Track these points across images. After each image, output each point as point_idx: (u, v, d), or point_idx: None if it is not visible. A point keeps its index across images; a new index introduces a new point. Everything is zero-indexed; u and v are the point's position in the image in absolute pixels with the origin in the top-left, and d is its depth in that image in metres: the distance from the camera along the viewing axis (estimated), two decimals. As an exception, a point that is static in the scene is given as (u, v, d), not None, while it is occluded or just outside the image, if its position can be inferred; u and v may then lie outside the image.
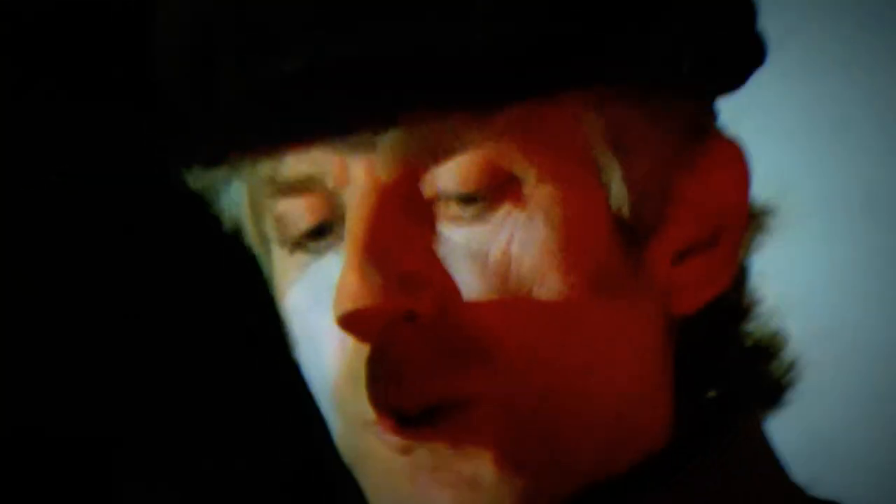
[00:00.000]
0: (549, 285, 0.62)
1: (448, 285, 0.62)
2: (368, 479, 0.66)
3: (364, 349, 0.61)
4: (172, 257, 1.54)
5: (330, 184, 0.63)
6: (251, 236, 0.72)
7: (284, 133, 0.63)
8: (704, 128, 0.68)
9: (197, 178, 0.69)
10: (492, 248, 0.61)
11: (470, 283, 0.61)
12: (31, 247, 1.90)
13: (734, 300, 0.71)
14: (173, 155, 0.70)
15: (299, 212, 0.65)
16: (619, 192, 0.64)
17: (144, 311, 1.59)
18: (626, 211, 0.64)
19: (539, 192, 0.62)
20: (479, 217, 0.61)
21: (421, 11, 0.60)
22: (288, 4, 0.61)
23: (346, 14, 0.60)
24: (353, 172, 0.62)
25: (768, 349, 0.72)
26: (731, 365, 0.73)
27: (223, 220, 0.72)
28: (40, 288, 1.87)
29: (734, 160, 0.69)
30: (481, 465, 0.61)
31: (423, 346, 0.61)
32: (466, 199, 0.61)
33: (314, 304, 0.64)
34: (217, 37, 0.64)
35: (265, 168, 0.64)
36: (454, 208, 0.62)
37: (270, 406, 0.94)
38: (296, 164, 0.63)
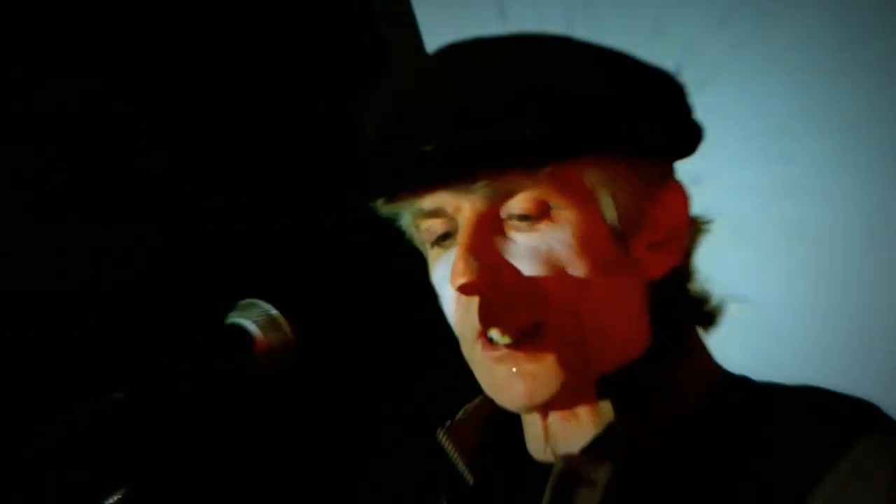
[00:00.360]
0: (574, 266, 1.11)
1: (513, 269, 1.13)
2: (479, 375, 1.18)
3: (470, 301, 1.12)
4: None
5: (450, 212, 1.13)
6: (416, 241, 1.24)
7: (427, 184, 1.13)
8: (665, 175, 1.20)
9: (382, 209, 1.19)
10: (539, 245, 1.11)
11: (527, 266, 1.11)
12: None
13: (683, 271, 1.23)
14: (365, 193, 1.19)
15: (435, 227, 1.16)
16: (611, 214, 1.13)
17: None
18: (615, 224, 1.13)
19: (564, 214, 1.11)
20: (531, 228, 1.11)
21: (496, 118, 1.09)
22: (431, 115, 1.11)
23: (456, 120, 1.10)
24: (462, 206, 1.12)
25: (703, 296, 1.25)
26: (681, 305, 1.22)
27: (403, 233, 1.23)
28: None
29: (682, 194, 1.21)
30: (542, 366, 1.11)
31: (505, 299, 1.11)
32: (523, 218, 1.11)
33: (445, 278, 1.15)
34: (397, 128, 1.14)
35: (417, 203, 1.15)
36: (517, 223, 1.12)
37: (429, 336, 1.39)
38: (432, 201, 1.14)
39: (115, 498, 1.09)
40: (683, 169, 1.27)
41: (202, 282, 2.71)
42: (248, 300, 1.16)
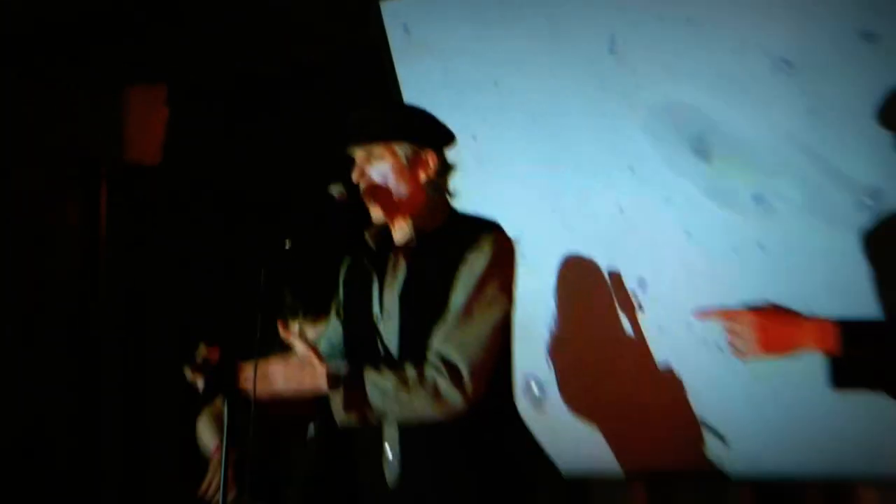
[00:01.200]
0: (392, 178, 3.04)
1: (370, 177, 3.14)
2: (371, 211, 3.24)
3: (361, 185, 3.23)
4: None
5: (363, 155, 3.10)
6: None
7: (356, 141, 3.13)
8: (427, 148, 3.12)
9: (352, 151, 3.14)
10: (381, 169, 3.05)
11: (376, 176, 3.09)
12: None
13: (442, 180, 3.19)
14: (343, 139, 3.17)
15: (359, 158, 3.10)
16: (404, 160, 3.05)
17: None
18: (405, 164, 3.05)
19: (388, 159, 3.03)
20: (378, 163, 3.04)
21: (375, 117, 3.20)
22: (363, 119, 3.16)
23: (368, 121, 3.16)
24: (361, 152, 3.09)
25: (449, 185, 3.19)
26: (440, 188, 3.10)
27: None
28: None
29: (433, 156, 3.11)
30: (386, 211, 3.11)
31: (369, 186, 3.07)
32: (377, 159, 3.05)
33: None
34: (355, 122, 3.18)
35: (355, 149, 3.12)
36: (374, 162, 3.08)
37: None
38: (357, 146, 3.13)
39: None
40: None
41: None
42: None
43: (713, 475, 4.67)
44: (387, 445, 3.05)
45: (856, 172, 3.87)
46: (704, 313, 2.81)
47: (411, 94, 4.78)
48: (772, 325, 2.63)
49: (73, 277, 5.65)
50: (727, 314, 2.70)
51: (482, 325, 2.91)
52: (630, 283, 4.53)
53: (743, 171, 4.22)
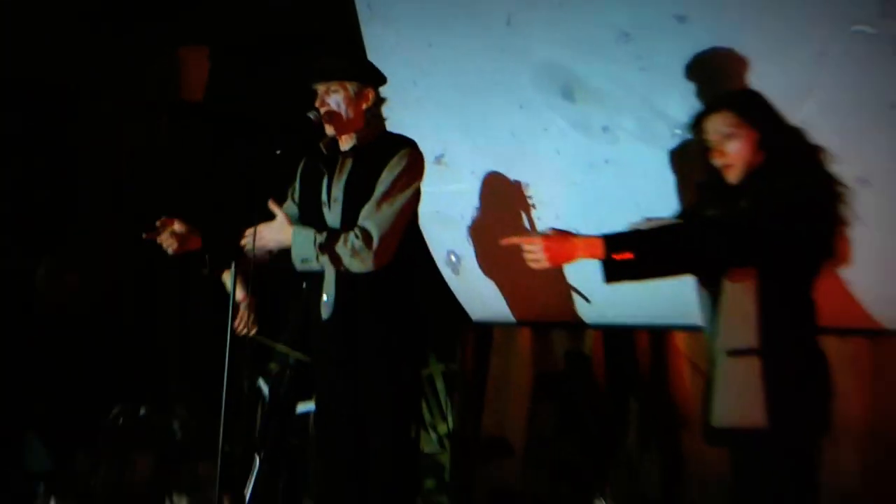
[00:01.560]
0: (343, 106, 3.54)
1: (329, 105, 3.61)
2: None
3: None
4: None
5: (321, 89, 3.51)
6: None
7: (318, 80, 3.53)
8: (370, 86, 3.60)
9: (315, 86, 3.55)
10: (337, 99, 3.55)
11: (332, 104, 3.60)
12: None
13: (376, 107, 3.72)
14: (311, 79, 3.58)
15: (321, 91, 3.52)
16: (353, 94, 3.54)
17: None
18: (353, 97, 3.55)
19: (340, 92, 3.51)
20: (336, 94, 3.52)
21: (333, 63, 3.58)
22: (323, 67, 3.56)
23: (329, 64, 3.56)
24: (324, 87, 3.50)
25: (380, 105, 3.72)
26: (377, 113, 3.70)
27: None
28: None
29: (372, 91, 3.63)
30: (339, 126, 3.63)
31: (328, 110, 3.62)
32: (335, 92, 3.53)
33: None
34: (318, 64, 3.58)
35: (317, 85, 3.53)
36: (331, 94, 3.54)
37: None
38: (319, 83, 3.52)
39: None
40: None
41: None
42: None
43: (578, 324, 5.42)
44: (324, 291, 3.54)
45: (671, 112, 4.33)
46: (508, 240, 3.03)
47: (373, 53, 5.15)
48: (554, 244, 2.80)
49: (142, 174, 6.24)
50: (524, 239, 2.93)
51: (392, 208, 3.39)
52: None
53: (596, 110, 4.63)
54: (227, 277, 4.43)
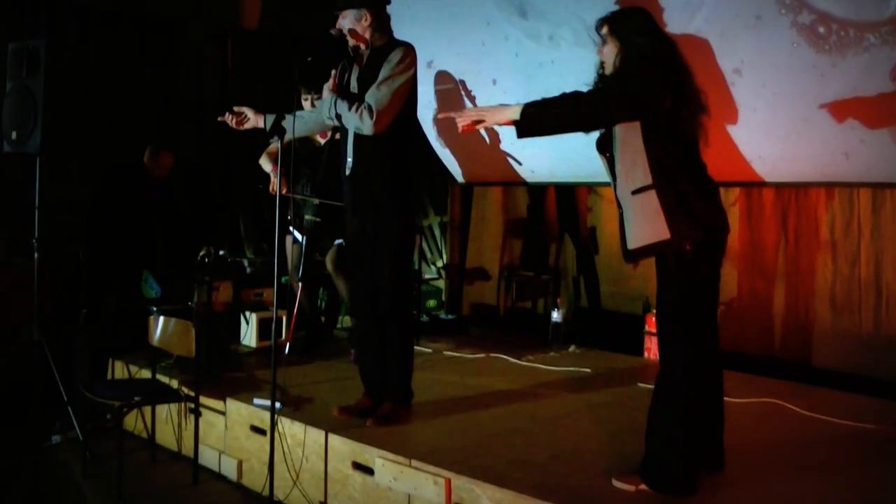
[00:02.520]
0: (354, 22, 3.50)
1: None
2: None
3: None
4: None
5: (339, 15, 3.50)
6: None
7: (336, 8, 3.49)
8: (367, 10, 3.49)
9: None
10: (345, 22, 3.50)
11: (346, 24, 3.53)
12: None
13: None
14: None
15: (340, 16, 3.50)
16: (359, 17, 3.46)
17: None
18: (360, 20, 3.47)
19: (348, 16, 3.45)
20: (344, 18, 3.50)
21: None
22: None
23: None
24: (342, 14, 3.48)
25: None
26: (382, 24, 3.56)
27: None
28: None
29: (371, 13, 3.52)
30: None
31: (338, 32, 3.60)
32: (344, 17, 3.47)
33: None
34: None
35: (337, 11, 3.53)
36: (343, 20, 3.49)
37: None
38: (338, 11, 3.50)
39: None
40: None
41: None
42: None
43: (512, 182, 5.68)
44: (347, 151, 3.56)
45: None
46: (446, 114, 3.04)
47: None
48: (480, 113, 2.82)
49: (212, 90, 6.16)
50: (451, 113, 2.92)
51: (388, 89, 3.37)
52: (486, 83, 5.18)
53: (543, 24, 4.73)
54: (263, 161, 4.75)
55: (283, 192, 4.32)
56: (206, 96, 6.18)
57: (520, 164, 5.44)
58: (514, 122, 2.74)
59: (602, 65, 2.99)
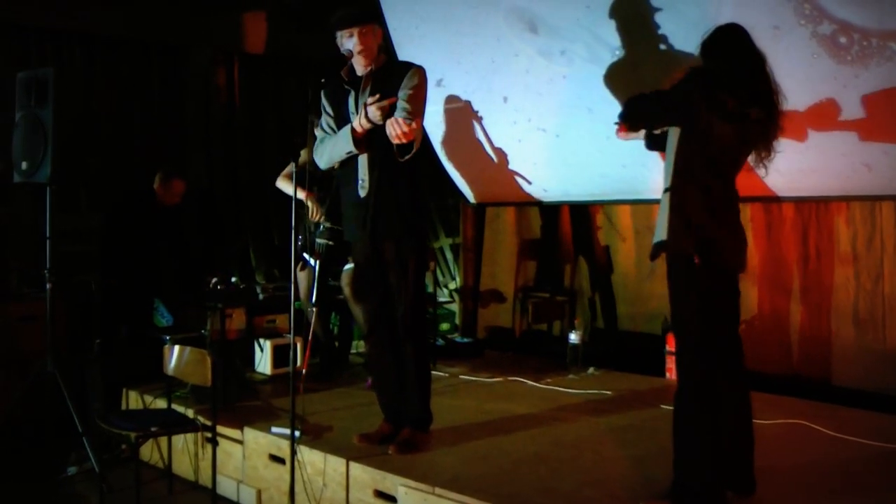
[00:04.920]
0: (370, 41, 3.46)
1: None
2: None
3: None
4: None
5: (349, 34, 3.39)
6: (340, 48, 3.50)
7: (343, 27, 3.39)
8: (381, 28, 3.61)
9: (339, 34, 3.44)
10: (362, 41, 3.41)
11: (363, 44, 3.44)
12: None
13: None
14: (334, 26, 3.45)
15: (347, 38, 3.40)
16: (376, 36, 3.46)
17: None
18: (378, 38, 3.51)
19: (368, 34, 3.39)
20: (359, 36, 3.38)
21: (347, 13, 3.39)
22: (344, 17, 3.40)
23: (343, 15, 3.40)
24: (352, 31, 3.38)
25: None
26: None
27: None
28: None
29: (379, 29, 3.55)
30: (368, 49, 3.45)
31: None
32: (362, 34, 3.37)
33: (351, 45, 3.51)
34: (339, 15, 3.42)
35: (344, 32, 3.42)
36: (357, 36, 3.37)
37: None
38: (347, 31, 3.39)
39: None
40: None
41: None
42: None
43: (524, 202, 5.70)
44: (359, 173, 3.47)
45: (610, 39, 4.39)
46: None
47: (387, 8, 5.19)
48: None
49: (219, 115, 6.22)
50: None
51: (417, 100, 3.34)
52: (497, 100, 5.16)
53: (555, 40, 4.68)
54: (282, 184, 4.78)
55: (318, 217, 4.51)
56: (214, 122, 6.22)
57: (529, 183, 5.43)
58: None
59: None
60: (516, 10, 4.80)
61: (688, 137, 2.86)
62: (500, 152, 5.42)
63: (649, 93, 3.00)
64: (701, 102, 2.79)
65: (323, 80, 3.42)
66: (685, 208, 2.83)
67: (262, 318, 4.96)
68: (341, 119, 3.53)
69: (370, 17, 3.47)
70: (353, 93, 3.50)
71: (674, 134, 2.91)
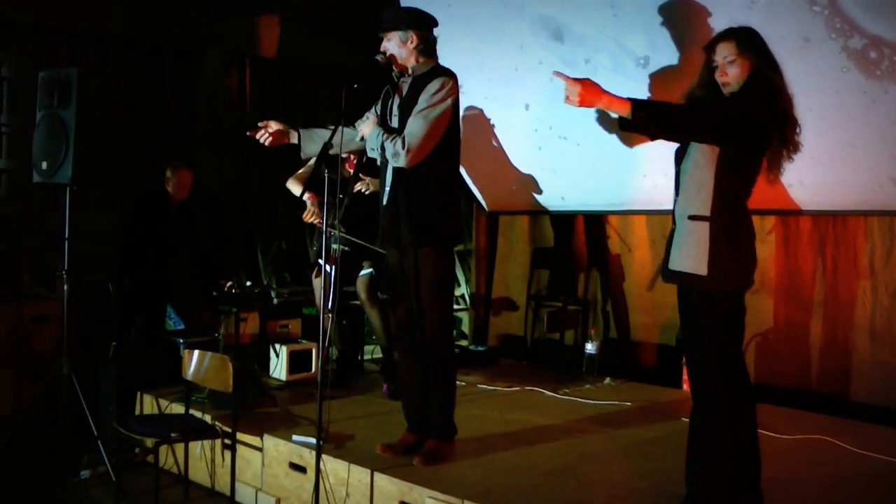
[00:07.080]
0: (399, 47, 3.44)
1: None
2: None
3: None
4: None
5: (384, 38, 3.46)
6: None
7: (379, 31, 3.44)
8: (413, 31, 3.43)
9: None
10: (390, 46, 3.42)
11: (391, 48, 3.45)
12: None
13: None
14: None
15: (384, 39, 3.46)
16: (403, 39, 3.40)
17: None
18: (404, 40, 3.40)
19: (394, 38, 3.42)
20: (388, 40, 3.44)
21: (385, 17, 3.44)
22: (380, 22, 3.46)
23: (385, 19, 3.43)
24: (386, 36, 3.42)
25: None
26: (430, 42, 3.51)
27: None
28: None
29: (419, 35, 3.44)
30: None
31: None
32: (389, 39, 3.42)
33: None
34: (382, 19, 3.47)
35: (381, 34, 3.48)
36: (388, 41, 3.42)
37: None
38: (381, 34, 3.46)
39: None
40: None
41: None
42: None
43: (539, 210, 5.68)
44: (386, 181, 3.49)
45: (636, 49, 4.38)
46: (558, 73, 2.83)
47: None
48: (586, 91, 2.67)
49: (231, 118, 6.23)
50: (567, 78, 2.73)
51: (424, 121, 3.30)
52: (519, 108, 5.15)
53: (579, 48, 4.68)
54: (292, 184, 4.70)
55: (317, 222, 4.43)
56: (225, 124, 6.20)
57: (540, 192, 5.43)
58: (620, 118, 2.72)
59: (705, 77, 2.92)
60: (542, 19, 4.78)
61: (735, 159, 2.72)
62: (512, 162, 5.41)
63: (693, 107, 2.83)
64: (772, 124, 2.72)
65: (356, 86, 3.29)
66: (733, 243, 2.72)
67: (276, 322, 4.92)
68: (384, 118, 3.56)
69: (390, 25, 3.44)
70: (393, 96, 3.54)
71: (705, 154, 2.74)
